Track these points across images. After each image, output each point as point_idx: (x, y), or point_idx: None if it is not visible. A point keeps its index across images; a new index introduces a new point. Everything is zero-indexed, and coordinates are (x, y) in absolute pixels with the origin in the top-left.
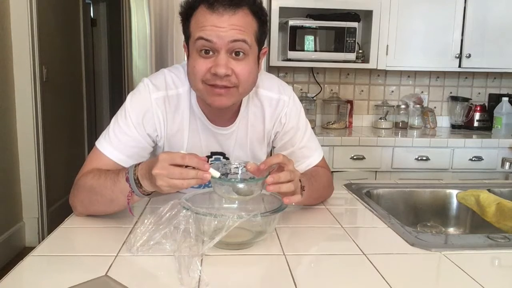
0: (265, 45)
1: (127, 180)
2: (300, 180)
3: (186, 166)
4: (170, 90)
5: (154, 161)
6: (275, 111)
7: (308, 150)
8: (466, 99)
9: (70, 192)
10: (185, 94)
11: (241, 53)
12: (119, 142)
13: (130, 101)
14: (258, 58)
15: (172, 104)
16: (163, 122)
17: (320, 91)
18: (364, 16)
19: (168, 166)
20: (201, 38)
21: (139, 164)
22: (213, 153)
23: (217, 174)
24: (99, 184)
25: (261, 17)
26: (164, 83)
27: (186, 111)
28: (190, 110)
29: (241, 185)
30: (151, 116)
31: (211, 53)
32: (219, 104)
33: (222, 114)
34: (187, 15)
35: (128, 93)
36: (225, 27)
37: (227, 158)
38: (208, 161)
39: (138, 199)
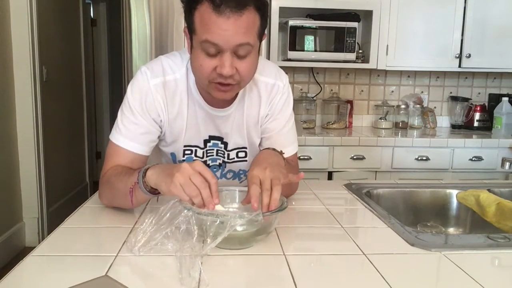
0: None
1: (138, 173)
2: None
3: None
4: (167, 75)
5: (178, 165)
6: (270, 95)
7: (285, 139)
8: (466, 99)
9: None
10: (182, 78)
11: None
12: (128, 131)
13: (131, 90)
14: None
15: (171, 88)
16: (164, 107)
17: (320, 91)
18: (364, 16)
19: (187, 177)
20: (207, 41)
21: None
22: (211, 137)
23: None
24: (117, 179)
25: (264, 13)
26: (161, 69)
27: (184, 95)
28: (188, 93)
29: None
30: (152, 102)
31: (215, 51)
32: (223, 97)
33: None
34: (190, 7)
35: None
36: (231, 30)
37: (226, 143)
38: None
39: (145, 198)
